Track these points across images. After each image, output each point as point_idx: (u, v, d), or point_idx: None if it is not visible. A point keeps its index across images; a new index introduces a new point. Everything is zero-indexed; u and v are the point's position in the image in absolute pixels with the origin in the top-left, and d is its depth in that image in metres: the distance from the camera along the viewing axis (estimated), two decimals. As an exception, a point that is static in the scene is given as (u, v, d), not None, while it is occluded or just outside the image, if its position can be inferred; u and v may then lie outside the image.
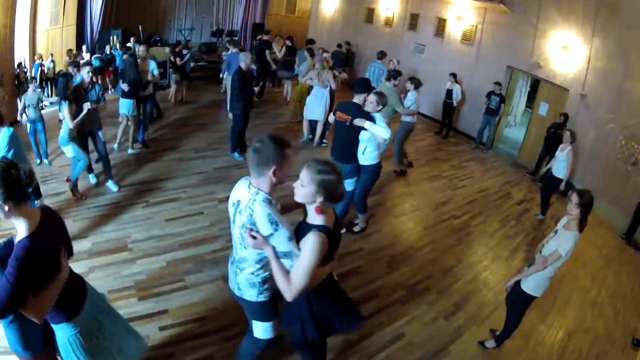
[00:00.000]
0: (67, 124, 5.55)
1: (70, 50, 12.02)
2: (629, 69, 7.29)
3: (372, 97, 4.88)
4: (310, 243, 2.27)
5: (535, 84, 10.08)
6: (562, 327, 4.60)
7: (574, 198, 3.46)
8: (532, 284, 3.68)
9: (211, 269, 4.65)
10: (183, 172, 7.05)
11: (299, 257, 2.32)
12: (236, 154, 7.74)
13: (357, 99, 5.06)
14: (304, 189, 2.31)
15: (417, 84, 7.68)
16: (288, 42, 12.09)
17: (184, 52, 11.33)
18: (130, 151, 7.61)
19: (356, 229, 5.76)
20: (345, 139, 5.08)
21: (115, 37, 14.02)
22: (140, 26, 15.15)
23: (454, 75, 9.98)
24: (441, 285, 4.93)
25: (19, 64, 10.55)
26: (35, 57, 11.16)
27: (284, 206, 2.68)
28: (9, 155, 4.34)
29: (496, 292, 4.89)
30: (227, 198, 5.24)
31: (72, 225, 5.29)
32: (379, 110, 4.91)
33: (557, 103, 8.59)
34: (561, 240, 3.50)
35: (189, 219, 5.66)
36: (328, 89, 8.17)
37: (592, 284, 5.58)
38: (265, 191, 2.41)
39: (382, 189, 7.21)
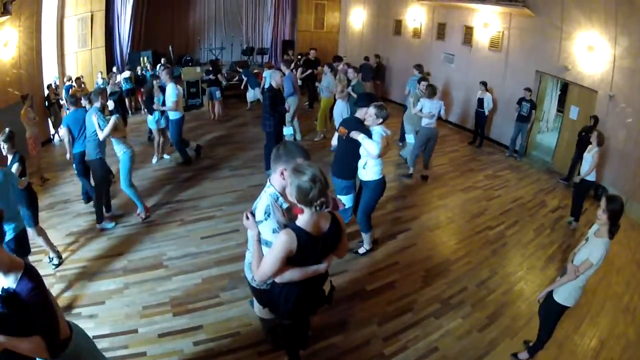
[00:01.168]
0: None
1: (102, 72, 12.47)
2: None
3: (371, 110, 4.89)
4: (277, 238, 2.50)
5: (566, 88, 9.94)
6: (595, 336, 4.58)
7: (603, 203, 3.44)
8: (564, 294, 3.70)
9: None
10: (218, 190, 7.32)
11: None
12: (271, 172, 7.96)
13: (359, 113, 5.13)
14: (288, 187, 2.50)
15: (431, 92, 7.75)
16: (312, 54, 12.56)
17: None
18: (154, 161, 8.45)
19: (361, 250, 5.64)
20: (343, 154, 5.23)
21: (145, 58, 14.38)
22: (170, 47, 15.70)
23: (484, 83, 9.98)
24: (475, 298, 4.98)
25: (49, 85, 10.91)
26: (65, 79, 11.55)
27: (291, 217, 2.79)
28: None
29: (530, 303, 4.90)
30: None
31: (106, 242, 5.69)
32: (380, 123, 4.92)
33: (587, 106, 8.50)
34: (592, 248, 3.50)
35: (224, 236, 5.85)
36: (347, 100, 8.36)
37: (625, 289, 5.51)
38: (276, 187, 2.79)
39: (416, 201, 7.35)
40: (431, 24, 12.52)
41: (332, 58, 11.79)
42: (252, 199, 6.46)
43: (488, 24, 10.49)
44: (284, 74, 8.68)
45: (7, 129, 4.71)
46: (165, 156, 8.80)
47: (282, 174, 2.69)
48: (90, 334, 2.74)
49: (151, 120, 8.38)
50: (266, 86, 9.01)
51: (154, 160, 8.56)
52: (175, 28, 17.78)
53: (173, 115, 8.04)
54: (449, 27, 11.89)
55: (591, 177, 6.57)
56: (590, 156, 6.46)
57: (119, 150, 6.00)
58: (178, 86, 8.02)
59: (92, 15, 13.19)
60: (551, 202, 7.76)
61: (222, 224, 6.17)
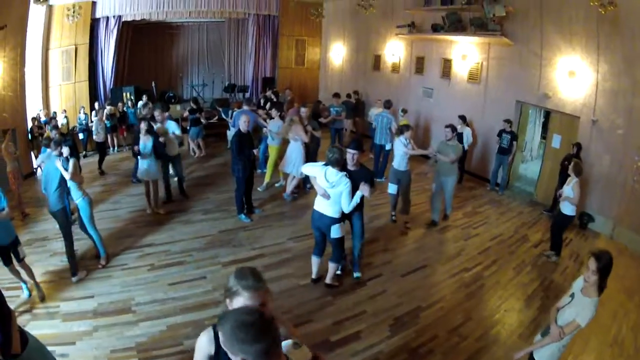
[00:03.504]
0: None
1: (84, 107, 12.35)
2: (638, 85, 7.04)
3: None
4: None
5: (549, 115, 9.76)
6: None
7: (592, 264, 3.19)
8: (545, 354, 3.40)
9: None
10: (189, 235, 7.14)
11: None
12: (242, 216, 7.70)
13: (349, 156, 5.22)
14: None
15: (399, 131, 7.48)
16: (270, 94, 12.31)
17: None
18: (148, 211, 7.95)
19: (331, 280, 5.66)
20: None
21: (128, 94, 14.30)
22: (153, 82, 15.61)
23: (462, 117, 9.75)
24: (446, 346, 4.62)
25: (33, 118, 10.79)
26: (43, 115, 11.54)
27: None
28: None
29: (507, 347, 4.56)
30: (231, 262, 6.17)
31: (80, 283, 5.67)
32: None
33: (570, 133, 8.30)
34: (579, 309, 3.21)
35: (192, 283, 5.72)
36: (300, 142, 8.14)
37: (612, 321, 5.17)
38: None
39: (388, 245, 6.99)
40: (409, 58, 12.46)
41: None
42: (222, 245, 6.48)
43: (466, 55, 10.40)
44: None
45: None
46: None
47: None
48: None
49: (143, 169, 7.74)
50: (234, 126, 8.80)
51: (148, 211, 8.01)
52: (158, 63, 17.84)
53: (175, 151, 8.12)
54: (427, 61, 11.82)
55: (570, 211, 6.24)
56: (570, 188, 6.13)
57: (77, 196, 5.89)
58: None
59: (76, 48, 13.21)
60: (533, 236, 7.43)
61: (191, 270, 6.05)
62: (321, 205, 5.19)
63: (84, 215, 5.94)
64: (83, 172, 6.95)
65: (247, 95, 16.87)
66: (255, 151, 7.46)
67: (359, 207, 5.35)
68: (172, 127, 8.05)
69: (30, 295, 5.27)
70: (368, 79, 14.55)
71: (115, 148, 12.36)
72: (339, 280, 5.75)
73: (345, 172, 4.97)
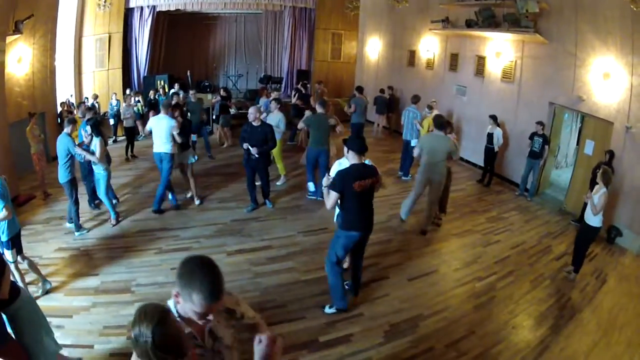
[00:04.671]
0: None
1: (116, 94, 12.69)
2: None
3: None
4: None
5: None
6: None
7: None
8: None
9: None
10: (201, 222, 7.20)
11: None
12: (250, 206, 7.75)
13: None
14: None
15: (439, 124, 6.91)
16: (300, 88, 12.15)
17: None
18: (197, 202, 7.94)
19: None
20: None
21: (162, 82, 14.51)
22: (188, 72, 15.73)
23: (494, 117, 9.30)
24: (442, 361, 4.30)
25: (62, 103, 11.11)
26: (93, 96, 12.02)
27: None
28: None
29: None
30: (237, 252, 6.21)
31: (88, 261, 5.94)
32: None
33: (604, 139, 7.69)
34: None
35: None
36: None
37: (626, 348, 4.69)
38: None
39: (401, 246, 6.68)
40: (444, 55, 11.99)
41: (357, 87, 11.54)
42: (232, 234, 6.81)
43: (500, 53, 9.87)
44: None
45: None
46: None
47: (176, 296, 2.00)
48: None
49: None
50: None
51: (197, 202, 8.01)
52: (195, 53, 18.02)
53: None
54: (461, 58, 11.32)
55: (596, 222, 5.74)
56: (597, 197, 5.66)
57: (98, 169, 6.60)
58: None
59: (109, 37, 13.74)
60: (557, 247, 6.90)
61: None
62: None
63: (102, 185, 6.65)
64: (113, 156, 8.19)
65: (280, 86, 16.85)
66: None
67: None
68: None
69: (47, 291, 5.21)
70: (403, 75, 14.14)
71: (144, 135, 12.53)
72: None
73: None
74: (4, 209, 4.50)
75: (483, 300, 5.36)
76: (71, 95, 12.48)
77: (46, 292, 5.11)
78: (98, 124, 6.70)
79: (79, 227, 6.67)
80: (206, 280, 1.87)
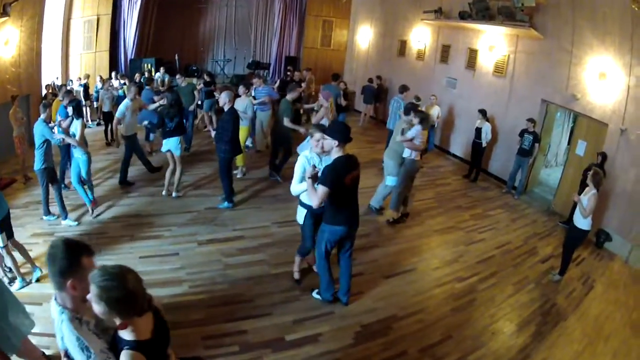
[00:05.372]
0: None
1: (101, 76, 12.31)
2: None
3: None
4: None
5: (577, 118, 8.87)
6: None
7: None
8: None
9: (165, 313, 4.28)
10: (175, 209, 6.91)
11: None
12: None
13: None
14: (95, 306, 1.85)
15: (423, 119, 6.52)
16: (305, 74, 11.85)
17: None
18: (174, 194, 7.46)
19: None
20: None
21: (149, 65, 14.17)
22: (176, 55, 15.31)
23: (483, 112, 8.98)
24: (415, 366, 3.98)
25: (47, 85, 10.85)
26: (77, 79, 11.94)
27: (104, 328, 2.18)
28: None
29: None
30: (208, 241, 5.96)
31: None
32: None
33: (597, 141, 7.41)
34: None
35: (163, 258, 5.50)
36: None
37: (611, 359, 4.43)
38: (71, 309, 2.07)
39: (379, 241, 6.35)
40: (435, 46, 11.66)
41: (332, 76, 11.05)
42: (204, 222, 6.55)
43: (493, 46, 9.54)
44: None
45: None
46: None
47: (73, 287, 2.02)
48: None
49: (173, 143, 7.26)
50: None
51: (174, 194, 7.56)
52: (185, 37, 17.58)
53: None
54: (452, 50, 11.00)
55: (585, 225, 5.47)
56: (586, 199, 5.39)
57: (78, 153, 6.33)
58: None
59: (98, 19, 13.54)
60: (543, 249, 6.60)
61: (166, 245, 5.82)
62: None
63: (83, 169, 6.39)
64: (95, 139, 8.47)
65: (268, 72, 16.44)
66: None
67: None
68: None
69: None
70: (393, 65, 13.80)
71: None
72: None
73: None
74: None
75: (462, 303, 5.04)
76: (57, 78, 12.29)
77: (37, 280, 4.88)
78: (79, 106, 6.50)
79: (47, 212, 6.37)
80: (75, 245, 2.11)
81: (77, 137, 6.15)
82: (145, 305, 1.96)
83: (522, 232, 7.16)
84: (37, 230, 6.01)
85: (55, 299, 2.08)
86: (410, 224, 7.01)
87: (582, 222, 5.46)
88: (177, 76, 10.70)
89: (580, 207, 5.42)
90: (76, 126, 6.22)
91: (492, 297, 5.22)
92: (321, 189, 4.00)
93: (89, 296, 1.85)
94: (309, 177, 4.09)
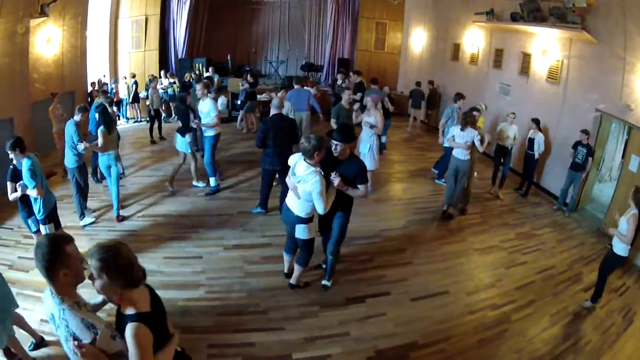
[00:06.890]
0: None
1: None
2: None
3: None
4: (130, 339, 2.07)
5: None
6: None
7: None
8: None
9: (176, 316, 4.34)
10: (207, 211, 7.06)
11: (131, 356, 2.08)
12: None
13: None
14: (97, 281, 2.11)
15: (463, 122, 6.61)
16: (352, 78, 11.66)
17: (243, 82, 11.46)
18: (195, 183, 7.94)
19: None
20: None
21: (199, 65, 14.41)
22: (228, 56, 15.54)
23: (536, 121, 8.34)
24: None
25: (93, 83, 11.31)
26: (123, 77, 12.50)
27: (95, 306, 2.53)
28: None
29: None
30: (234, 247, 6.00)
31: (86, 242, 5.68)
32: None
33: (653, 156, 6.68)
34: None
35: (185, 260, 5.61)
36: (371, 130, 7.51)
37: None
38: (68, 296, 2.19)
39: (413, 258, 6.05)
40: (488, 49, 11.11)
41: (370, 80, 10.73)
42: (233, 227, 6.57)
43: (546, 50, 8.93)
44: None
45: (12, 138, 4.75)
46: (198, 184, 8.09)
47: (65, 275, 2.18)
48: (37, 317, 4.11)
49: (182, 142, 7.59)
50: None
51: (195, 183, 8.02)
52: (238, 37, 17.82)
53: (209, 132, 7.58)
54: (506, 54, 10.42)
55: (621, 251, 4.97)
56: (625, 220, 4.87)
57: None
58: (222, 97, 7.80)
59: (146, 19, 13.96)
60: (588, 276, 5.99)
61: (191, 247, 5.94)
62: (290, 200, 4.57)
63: (114, 175, 6.55)
64: (140, 137, 8.88)
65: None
66: None
67: (345, 205, 4.62)
68: (209, 105, 7.46)
69: None
70: (446, 70, 13.34)
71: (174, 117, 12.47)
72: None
73: (318, 169, 4.22)
74: (34, 189, 4.55)
75: (492, 334, 4.67)
76: (104, 76, 12.65)
77: None
78: (106, 111, 6.68)
79: (82, 214, 6.57)
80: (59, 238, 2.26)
81: (100, 143, 6.26)
82: (141, 275, 2.18)
83: (568, 255, 6.61)
84: (67, 223, 6.14)
85: (52, 293, 2.17)
86: (450, 241, 6.67)
87: (619, 246, 4.97)
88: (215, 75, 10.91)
89: (618, 230, 4.92)
90: (99, 132, 6.31)
91: (525, 329, 4.79)
92: (364, 187, 4.43)
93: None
94: (338, 185, 4.27)
